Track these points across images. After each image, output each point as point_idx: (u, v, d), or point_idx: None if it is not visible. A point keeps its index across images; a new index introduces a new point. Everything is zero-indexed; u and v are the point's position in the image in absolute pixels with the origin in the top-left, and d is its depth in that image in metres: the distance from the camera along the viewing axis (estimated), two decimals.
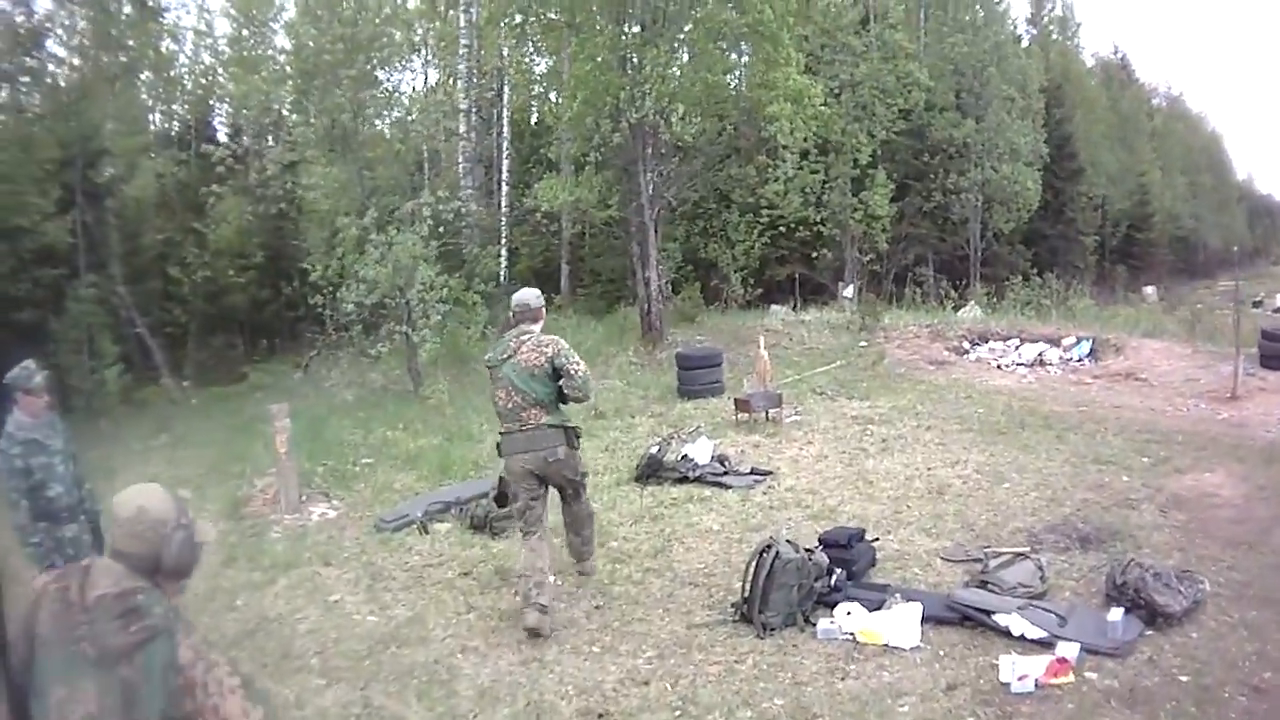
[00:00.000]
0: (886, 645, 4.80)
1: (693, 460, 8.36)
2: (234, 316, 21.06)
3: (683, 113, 14.98)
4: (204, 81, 26.31)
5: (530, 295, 5.74)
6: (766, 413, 10.33)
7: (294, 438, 8.32)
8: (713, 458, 8.47)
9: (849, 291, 21.36)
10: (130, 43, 18.53)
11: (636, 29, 14.70)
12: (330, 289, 13.04)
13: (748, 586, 5.21)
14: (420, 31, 22.77)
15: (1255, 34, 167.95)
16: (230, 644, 5.32)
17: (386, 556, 6.84)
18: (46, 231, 15.30)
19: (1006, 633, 4.79)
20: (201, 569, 2.45)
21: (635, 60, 14.47)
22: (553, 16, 15.50)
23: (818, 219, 22.79)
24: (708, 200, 22.88)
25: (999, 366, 14.11)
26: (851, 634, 4.93)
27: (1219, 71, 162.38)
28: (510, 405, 5.45)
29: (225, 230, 20.14)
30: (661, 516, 7.31)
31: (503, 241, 22.33)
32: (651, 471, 8.26)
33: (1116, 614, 4.71)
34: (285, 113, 15.95)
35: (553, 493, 5.81)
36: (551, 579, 5.54)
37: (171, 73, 24.49)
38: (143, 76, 22.01)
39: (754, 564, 5.24)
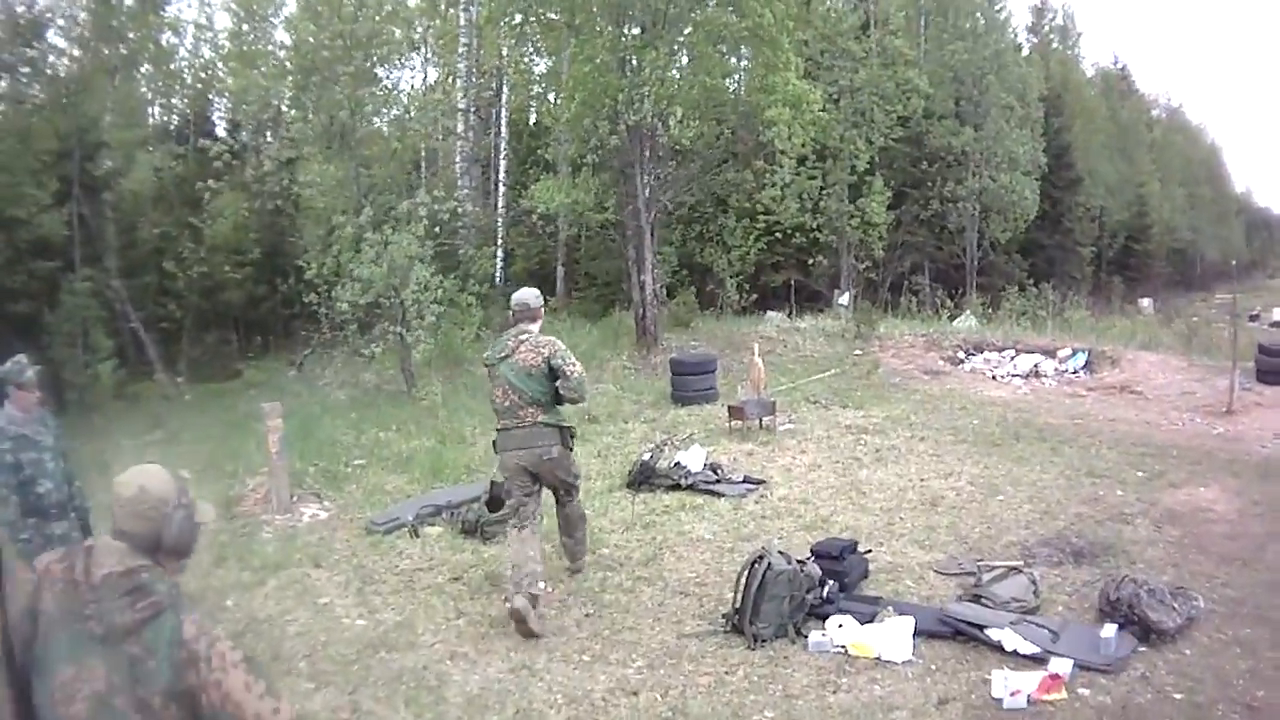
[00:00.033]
0: (878, 659, 4.78)
1: (685, 467, 8.32)
2: (229, 312, 20.98)
3: (681, 116, 14.95)
4: (203, 76, 26.26)
5: (530, 295, 5.81)
6: (760, 420, 10.31)
7: (286, 437, 8.28)
8: (705, 465, 8.44)
9: (844, 299, 21.37)
10: (130, 35, 18.57)
11: (636, 31, 14.72)
12: (326, 287, 12.97)
13: (739, 597, 5.19)
14: (420, 29, 22.66)
15: (1255, 46, 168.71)
16: None
17: (377, 559, 6.81)
18: (43, 223, 15.28)
19: (999, 647, 4.78)
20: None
21: (634, 62, 14.48)
22: (552, 17, 15.51)
23: (814, 225, 22.79)
24: (704, 205, 22.86)
25: (994, 377, 14.09)
26: (843, 647, 4.91)
27: (1219, 83, 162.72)
28: (507, 403, 5.54)
29: (222, 226, 20.06)
30: (653, 524, 7.28)
31: (499, 242, 22.33)
32: (644, 478, 8.23)
33: (1110, 630, 4.71)
34: (284, 109, 15.91)
35: (547, 496, 5.80)
36: (542, 583, 5.51)
37: (171, 66, 24.39)
38: (142, 69, 22.02)
39: (745, 574, 5.22)
